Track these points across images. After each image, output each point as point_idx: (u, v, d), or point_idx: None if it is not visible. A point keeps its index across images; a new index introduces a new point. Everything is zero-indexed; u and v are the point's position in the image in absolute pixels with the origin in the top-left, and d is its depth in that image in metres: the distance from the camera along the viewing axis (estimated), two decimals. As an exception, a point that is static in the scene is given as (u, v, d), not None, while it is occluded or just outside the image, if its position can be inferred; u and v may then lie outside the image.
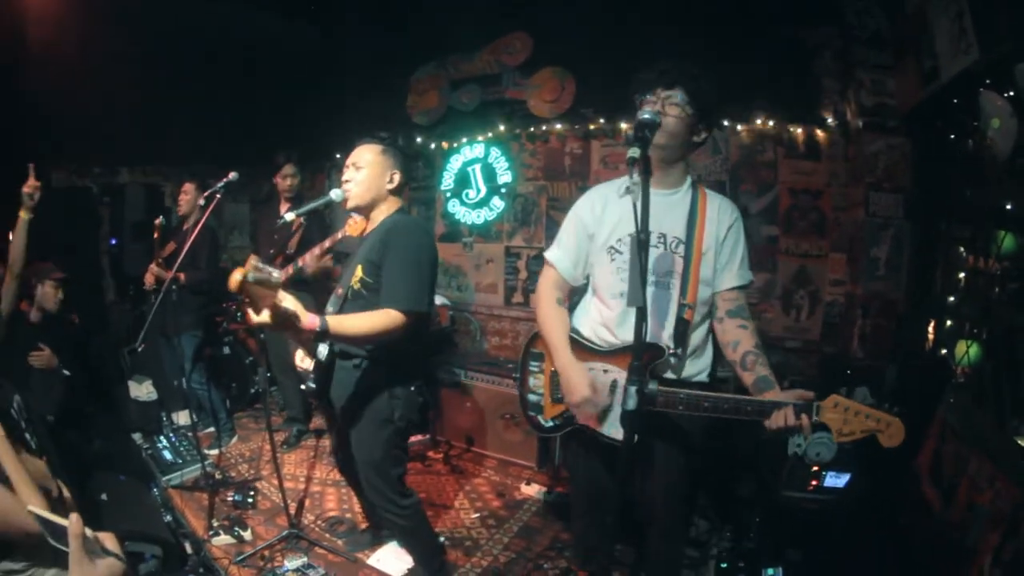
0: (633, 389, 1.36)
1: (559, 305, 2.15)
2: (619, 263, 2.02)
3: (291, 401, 4.61)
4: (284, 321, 1.88)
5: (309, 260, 3.72)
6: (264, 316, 1.84)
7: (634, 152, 1.44)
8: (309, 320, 1.95)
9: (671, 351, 1.89)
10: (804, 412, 1.63)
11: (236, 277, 1.70)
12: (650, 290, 1.92)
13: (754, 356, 1.87)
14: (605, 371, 2.00)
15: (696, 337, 2.02)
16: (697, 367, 2.04)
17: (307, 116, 5.45)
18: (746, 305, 2.01)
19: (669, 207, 1.98)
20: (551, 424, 2.15)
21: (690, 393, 1.76)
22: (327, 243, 3.48)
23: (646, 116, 1.54)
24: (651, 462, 2.04)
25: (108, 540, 1.18)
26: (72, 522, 1.06)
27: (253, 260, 1.72)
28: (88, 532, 1.10)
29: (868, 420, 1.60)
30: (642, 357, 1.45)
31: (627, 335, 1.93)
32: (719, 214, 1.99)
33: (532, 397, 2.21)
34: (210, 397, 4.45)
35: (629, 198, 1.97)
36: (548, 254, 2.21)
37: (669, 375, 1.97)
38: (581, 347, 2.07)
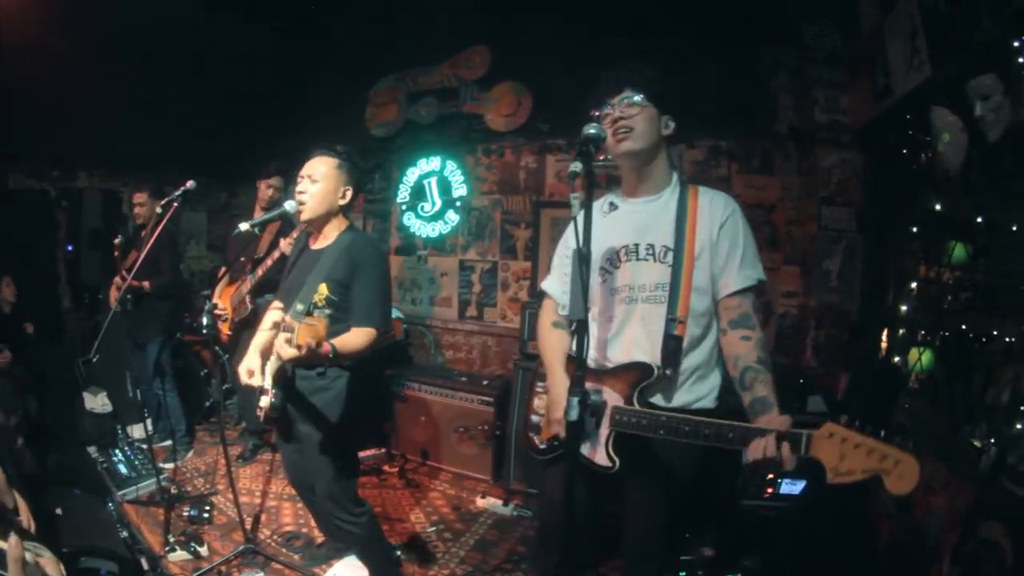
0: (575, 400, 1.36)
1: (556, 327, 2.08)
2: (610, 283, 1.91)
3: (250, 414, 4.52)
4: (313, 353, 1.97)
5: (261, 272, 3.70)
6: (293, 351, 1.93)
7: (576, 167, 1.42)
8: (326, 346, 2.04)
9: (659, 370, 1.75)
10: (790, 442, 1.42)
11: (311, 323, 1.92)
12: (641, 307, 1.83)
13: (754, 373, 1.67)
14: (597, 392, 1.86)
15: (696, 356, 1.83)
16: (698, 392, 1.85)
17: (267, 126, 5.40)
18: (751, 312, 1.79)
19: (654, 213, 1.87)
20: (543, 447, 2.05)
21: (672, 416, 1.63)
22: (276, 254, 3.50)
23: (591, 131, 1.53)
24: (633, 489, 1.92)
25: (49, 566, 1.14)
26: (11, 545, 1.03)
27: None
28: (28, 557, 1.07)
29: (871, 457, 1.32)
30: (584, 371, 1.40)
31: (618, 356, 1.86)
32: (710, 212, 1.82)
33: (534, 418, 2.16)
34: (166, 403, 4.37)
35: (613, 215, 1.92)
36: (543, 284, 2.17)
37: (659, 399, 1.81)
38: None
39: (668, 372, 1.76)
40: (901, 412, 2.78)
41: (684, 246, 1.78)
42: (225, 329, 3.99)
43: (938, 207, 2.77)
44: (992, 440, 2.12)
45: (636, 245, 1.86)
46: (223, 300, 3.99)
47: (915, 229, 3.03)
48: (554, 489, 2.06)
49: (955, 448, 2.31)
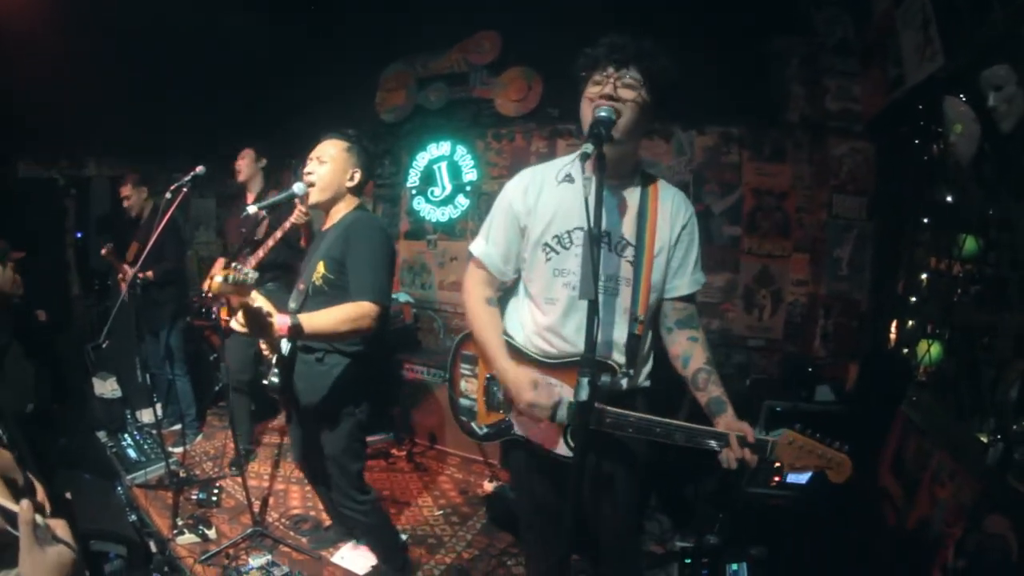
0: (585, 380, 1.36)
1: (490, 305, 1.92)
2: (556, 263, 1.78)
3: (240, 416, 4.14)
4: (257, 321, 1.89)
5: (262, 254, 3.55)
6: (238, 317, 1.85)
7: (587, 148, 1.40)
8: (280, 321, 1.97)
9: (622, 371, 1.74)
10: (757, 450, 1.56)
11: (217, 280, 1.72)
12: None
13: (706, 374, 1.72)
14: (548, 384, 1.80)
15: (644, 349, 1.85)
16: (642, 376, 1.88)
17: (276, 112, 5.41)
18: (696, 313, 1.84)
19: (616, 203, 1.77)
20: (485, 431, 2.03)
21: (641, 417, 1.64)
22: (278, 234, 3.42)
23: (602, 114, 1.53)
24: (599, 479, 1.87)
25: (59, 528, 1.16)
26: (23, 508, 1.05)
27: (234, 264, 1.75)
28: (39, 519, 1.09)
29: (819, 459, 1.57)
30: (592, 360, 1.41)
31: (566, 347, 1.78)
32: (672, 211, 1.78)
33: (464, 402, 2.08)
34: (176, 387, 4.39)
35: (569, 185, 1.76)
36: (474, 248, 1.95)
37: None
38: (521, 355, 1.87)
39: (631, 372, 1.77)
40: (909, 404, 2.77)
41: (645, 244, 1.75)
42: (224, 314, 3.86)
43: (949, 198, 2.75)
44: (999, 436, 2.11)
45: (600, 228, 1.69)
46: None
47: (926, 220, 3.01)
48: (529, 480, 2.02)
49: (962, 442, 2.30)
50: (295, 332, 2.01)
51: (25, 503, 1.06)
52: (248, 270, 1.80)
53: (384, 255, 2.36)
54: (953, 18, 2.43)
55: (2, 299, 3.49)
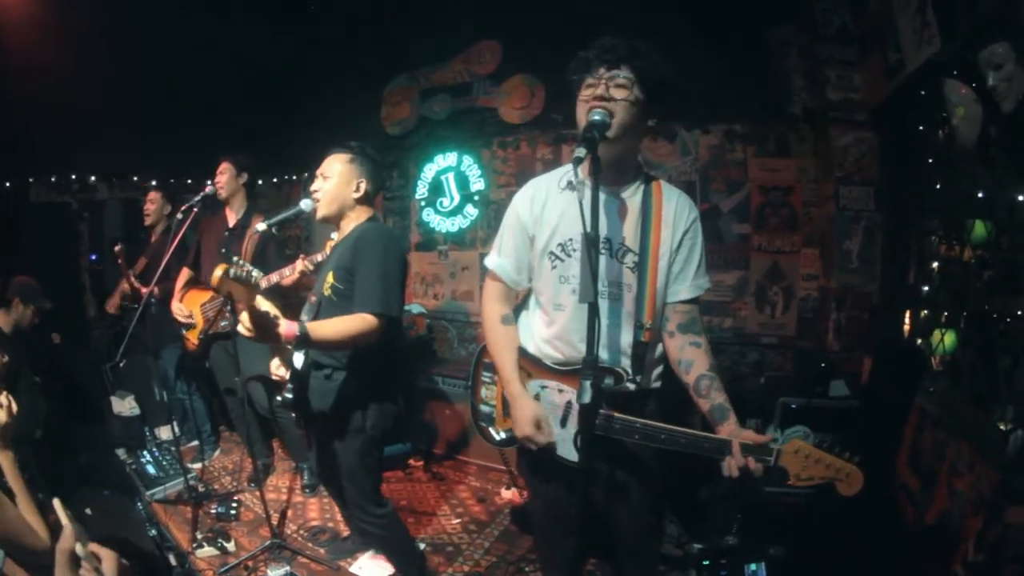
0: (587, 383, 1.36)
1: (506, 324, 1.95)
2: (561, 271, 1.80)
3: (253, 435, 3.96)
4: (263, 325, 1.91)
5: (276, 278, 3.31)
6: (244, 320, 1.87)
7: (580, 152, 1.39)
8: (287, 326, 1.98)
9: (629, 378, 1.74)
10: (761, 457, 1.53)
11: (217, 273, 1.73)
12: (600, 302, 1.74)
13: (708, 380, 1.69)
14: (560, 391, 1.82)
15: (653, 354, 1.85)
16: (652, 378, 1.88)
17: (284, 130, 5.47)
18: (698, 317, 1.82)
19: (616, 208, 1.77)
20: (503, 437, 2.03)
21: (647, 424, 1.64)
22: (274, 277, 3.22)
23: (596, 118, 1.52)
24: (614, 483, 1.88)
25: (107, 559, 1.17)
26: (63, 536, 1.08)
27: (235, 259, 1.77)
28: (79, 549, 1.10)
29: (828, 469, 1.52)
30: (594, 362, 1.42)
31: (575, 353, 1.77)
32: (675, 215, 1.77)
33: (484, 408, 2.10)
34: (192, 407, 4.42)
35: (571, 193, 1.74)
36: (489, 262, 1.97)
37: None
38: (535, 363, 1.89)
39: (638, 379, 1.76)
40: (925, 395, 2.74)
41: (649, 251, 1.74)
42: (192, 337, 3.81)
43: (956, 183, 2.72)
44: (1018, 424, 2.08)
45: (598, 233, 1.70)
46: (190, 305, 3.82)
47: (934, 207, 2.98)
48: (541, 484, 2.01)
49: (980, 431, 2.27)
50: (302, 339, 2.02)
51: (67, 531, 1.07)
52: (252, 269, 1.81)
53: (392, 265, 2.33)
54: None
55: (17, 331, 3.56)
